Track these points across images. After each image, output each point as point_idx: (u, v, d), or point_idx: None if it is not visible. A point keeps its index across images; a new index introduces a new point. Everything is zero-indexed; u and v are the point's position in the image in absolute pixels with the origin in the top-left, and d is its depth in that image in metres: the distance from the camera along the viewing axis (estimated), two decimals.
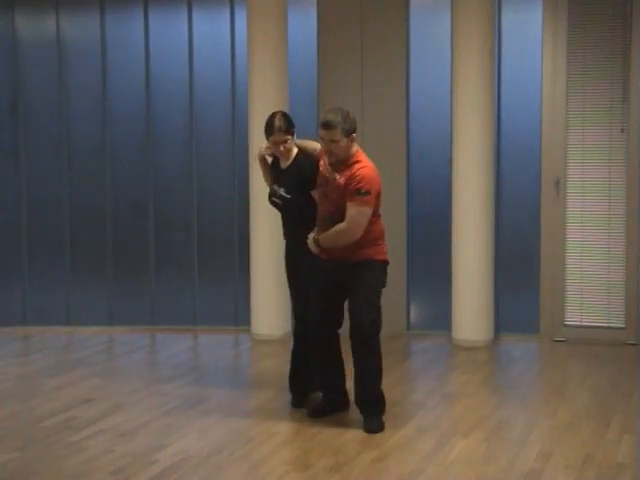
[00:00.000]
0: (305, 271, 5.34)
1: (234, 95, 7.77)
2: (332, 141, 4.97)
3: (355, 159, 5.04)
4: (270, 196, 5.46)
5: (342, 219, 5.00)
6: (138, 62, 7.88)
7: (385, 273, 5.19)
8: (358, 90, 7.36)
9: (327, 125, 4.97)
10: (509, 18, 7.32)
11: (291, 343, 5.64)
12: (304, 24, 7.66)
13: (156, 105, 7.90)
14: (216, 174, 7.92)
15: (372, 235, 5.08)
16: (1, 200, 8.06)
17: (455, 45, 7.07)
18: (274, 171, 5.51)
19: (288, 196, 5.32)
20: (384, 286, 5.20)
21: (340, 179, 5.03)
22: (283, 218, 5.50)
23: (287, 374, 5.62)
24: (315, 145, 5.48)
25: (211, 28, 7.87)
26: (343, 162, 5.04)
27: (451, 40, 7.14)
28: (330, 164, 5.10)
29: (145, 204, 7.95)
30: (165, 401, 5.68)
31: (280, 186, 5.37)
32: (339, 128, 4.95)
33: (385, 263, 5.18)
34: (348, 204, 4.97)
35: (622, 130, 7.02)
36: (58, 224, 8.01)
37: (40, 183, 8.04)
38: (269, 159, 5.58)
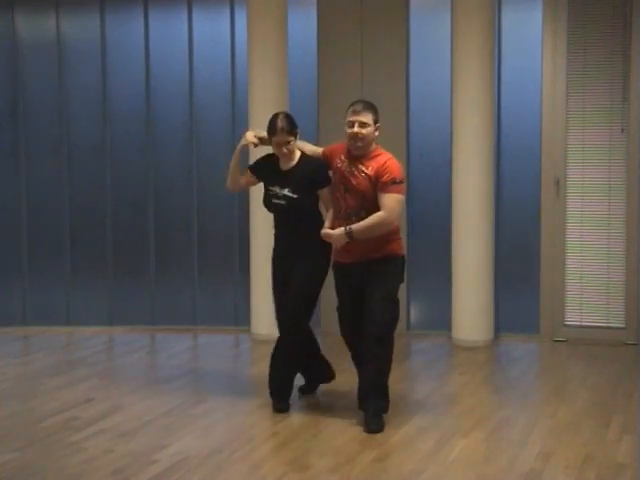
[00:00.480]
0: (301, 273, 5.33)
1: (234, 95, 7.78)
2: (362, 124, 5.08)
3: (377, 152, 5.18)
4: (270, 198, 5.38)
5: (369, 212, 5.07)
6: (138, 62, 7.88)
7: (404, 268, 5.31)
8: (358, 90, 7.35)
9: (360, 108, 5.12)
10: (509, 18, 7.32)
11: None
12: (304, 24, 7.66)
13: (156, 105, 7.90)
14: (216, 174, 7.87)
15: (393, 229, 5.19)
16: (1, 200, 8.06)
17: (455, 45, 7.07)
18: (270, 172, 5.42)
19: (295, 196, 5.27)
20: (402, 282, 5.31)
21: (368, 170, 5.11)
22: (281, 220, 5.42)
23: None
24: (314, 148, 5.49)
25: (211, 28, 7.87)
26: (365, 154, 5.15)
27: (451, 40, 7.14)
28: (351, 153, 5.17)
29: (145, 204, 7.95)
30: (165, 401, 5.68)
31: (283, 187, 5.31)
32: (370, 113, 5.11)
33: (404, 258, 5.31)
34: (383, 194, 5.06)
35: (622, 130, 7.02)
36: (58, 224, 8.02)
37: (40, 183, 8.04)
38: (251, 148, 5.53)
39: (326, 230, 5.19)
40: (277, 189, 5.34)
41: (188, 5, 7.81)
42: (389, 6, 7.46)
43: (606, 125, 7.08)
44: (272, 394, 5.49)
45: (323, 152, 5.41)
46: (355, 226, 5.07)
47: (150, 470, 4.51)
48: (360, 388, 5.29)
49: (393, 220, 5.11)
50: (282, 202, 5.32)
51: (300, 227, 5.33)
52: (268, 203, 5.42)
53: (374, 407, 5.15)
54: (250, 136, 5.49)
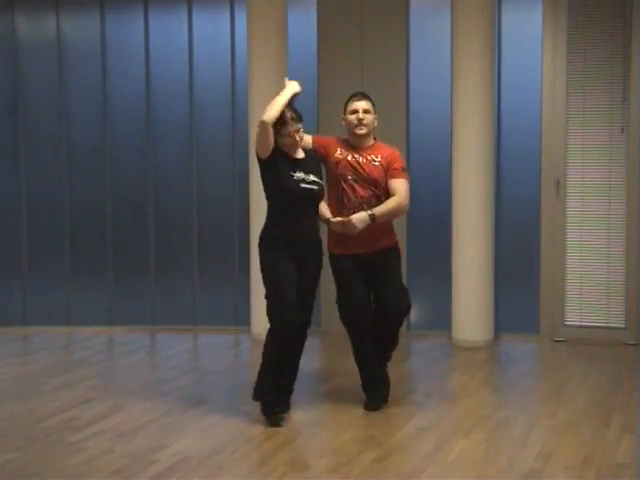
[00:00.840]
0: (314, 271, 5.25)
1: (234, 95, 7.78)
2: (365, 111, 5.33)
3: (379, 144, 5.42)
4: (297, 183, 5.11)
5: (379, 200, 5.24)
6: (138, 62, 7.88)
7: None
8: (358, 90, 7.34)
9: (363, 96, 5.41)
10: (509, 18, 7.32)
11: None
12: (304, 24, 7.66)
13: (156, 105, 7.91)
14: (216, 174, 7.92)
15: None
16: (1, 200, 8.06)
17: (455, 45, 7.06)
18: (285, 159, 5.16)
19: (323, 182, 5.27)
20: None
21: (379, 159, 5.30)
22: (301, 207, 5.14)
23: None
24: (306, 139, 5.43)
25: (211, 28, 7.88)
26: (368, 146, 5.36)
27: (451, 40, 7.14)
28: (350, 145, 5.33)
29: (145, 204, 7.95)
30: (165, 401, 5.68)
31: (307, 173, 5.17)
32: (370, 102, 5.40)
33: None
34: (396, 180, 5.29)
35: (622, 130, 7.02)
36: (58, 224, 8.02)
37: (40, 183, 8.04)
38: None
39: (337, 218, 5.19)
40: (302, 174, 5.15)
41: (188, 5, 7.81)
42: (389, 6, 7.47)
43: (606, 125, 7.08)
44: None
45: (314, 140, 5.42)
46: (377, 210, 5.19)
47: (150, 470, 4.50)
48: (379, 360, 5.51)
49: (407, 205, 5.35)
50: (314, 187, 5.17)
51: (314, 218, 5.26)
52: (294, 188, 5.11)
53: (386, 377, 5.50)
54: (297, 86, 5.22)
